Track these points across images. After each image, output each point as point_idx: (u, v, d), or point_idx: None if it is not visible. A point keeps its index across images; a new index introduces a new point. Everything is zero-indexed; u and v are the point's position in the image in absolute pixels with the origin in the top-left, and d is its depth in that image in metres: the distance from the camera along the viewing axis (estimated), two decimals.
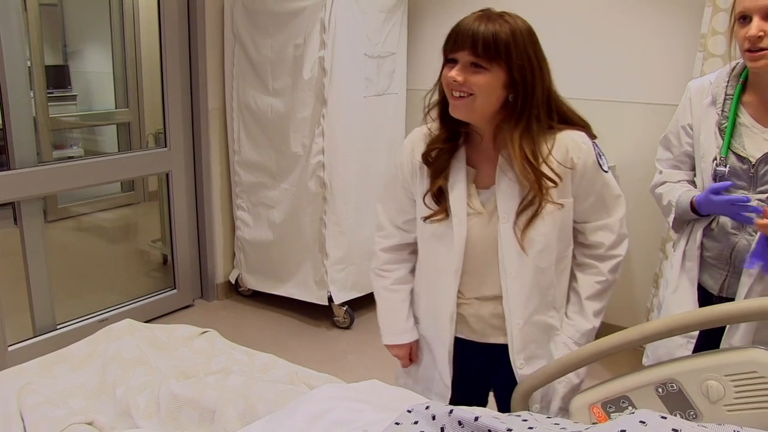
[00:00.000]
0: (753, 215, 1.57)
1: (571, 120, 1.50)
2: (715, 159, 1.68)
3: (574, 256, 1.59)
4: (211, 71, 3.61)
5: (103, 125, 5.18)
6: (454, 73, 1.37)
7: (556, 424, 1.06)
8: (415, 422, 1.10)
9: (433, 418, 1.09)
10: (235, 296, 3.97)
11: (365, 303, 3.51)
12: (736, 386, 1.20)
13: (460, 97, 1.39)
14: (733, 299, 1.70)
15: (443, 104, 1.49)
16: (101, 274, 4.18)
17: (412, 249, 1.70)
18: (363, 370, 3.06)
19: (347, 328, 3.56)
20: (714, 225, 1.74)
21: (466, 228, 1.50)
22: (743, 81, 1.69)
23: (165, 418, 1.59)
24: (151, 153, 3.59)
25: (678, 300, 1.82)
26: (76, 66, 5.25)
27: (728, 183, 1.62)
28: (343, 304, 3.52)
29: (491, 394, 1.77)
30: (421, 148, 1.55)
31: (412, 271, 1.71)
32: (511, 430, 1.00)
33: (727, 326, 1.70)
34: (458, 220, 1.50)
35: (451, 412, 1.07)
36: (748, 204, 1.58)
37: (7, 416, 1.58)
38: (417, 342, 1.71)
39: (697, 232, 1.77)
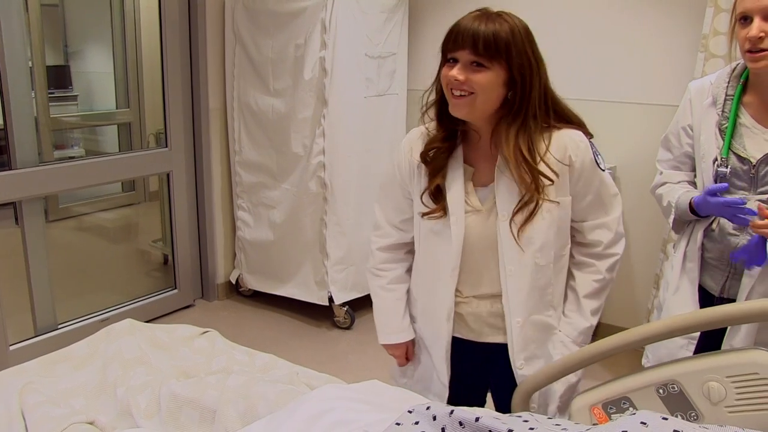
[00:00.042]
0: (749, 217, 1.57)
1: (567, 118, 1.52)
2: (716, 160, 1.68)
3: (571, 255, 1.60)
4: (212, 71, 3.62)
5: (104, 125, 5.18)
6: (455, 72, 1.38)
7: (557, 424, 1.06)
8: (416, 423, 1.10)
9: (434, 418, 1.09)
10: (235, 296, 3.97)
11: (366, 303, 3.51)
12: (737, 388, 1.20)
13: (461, 95, 1.40)
14: (733, 300, 1.70)
15: (440, 104, 1.50)
16: (102, 274, 4.18)
17: (409, 249, 1.71)
18: (363, 371, 3.06)
19: (348, 328, 3.56)
20: (714, 226, 1.74)
21: (464, 225, 1.51)
22: (744, 82, 1.69)
23: (166, 417, 1.59)
24: (152, 153, 3.59)
25: (679, 301, 1.81)
26: (77, 66, 5.25)
27: (724, 185, 1.62)
28: (343, 305, 3.52)
29: (489, 394, 1.77)
30: (419, 147, 1.56)
31: (408, 270, 1.72)
32: (512, 430, 1.00)
33: (729, 327, 1.70)
34: (456, 217, 1.50)
35: (451, 412, 1.07)
36: (744, 206, 1.58)
37: (9, 415, 1.59)
38: (413, 341, 1.72)
39: (698, 233, 1.77)
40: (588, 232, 1.56)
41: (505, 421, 1.04)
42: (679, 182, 1.85)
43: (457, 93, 1.40)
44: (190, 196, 3.75)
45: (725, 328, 1.71)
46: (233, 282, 3.93)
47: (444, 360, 1.62)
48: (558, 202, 1.47)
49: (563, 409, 1.60)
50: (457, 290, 1.57)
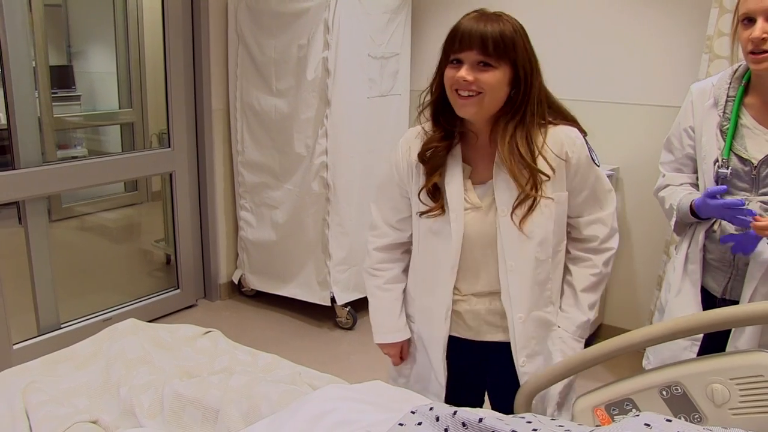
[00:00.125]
0: (749, 218, 1.57)
1: (562, 115, 1.54)
2: (717, 161, 1.68)
3: (567, 251, 1.61)
4: (215, 72, 3.62)
5: (107, 125, 5.20)
6: (463, 72, 1.39)
7: (560, 426, 1.06)
8: (419, 423, 1.10)
9: (437, 419, 1.09)
10: (237, 296, 3.98)
11: (368, 304, 3.51)
12: (741, 390, 1.19)
13: (469, 96, 1.41)
14: (736, 302, 1.70)
15: (436, 104, 1.51)
16: (105, 273, 4.19)
17: (405, 249, 1.72)
18: (365, 371, 3.06)
19: (350, 328, 3.56)
20: (716, 227, 1.74)
21: (463, 223, 1.51)
22: (746, 83, 1.69)
23: (168, 417, 1.59)
24: (155, 153, 3.59)
25: (681, 303, 1.81)
26: (80, 66, 5.27)
27: (723, 187, 1.62)
28: (345, 305, 3.52)
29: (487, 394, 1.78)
30: (417, 146, 1.56)
31: (405, 270, 1.72)
32: (515, 431, 1.00)
33: (733, 329, 1.69)
34: (455, 214, 1.51)
35: (455, 413, 1.07)
36: (743, 207, 1.58)
37: (13, 414, 1.59)
38: (408, 341, 1.72)
39: (699, 234, 1.77)
40: (584, 227, 1.58)
41: (508, 422, 1.04)
42: (681, 184, 1.85)
43: (465, 93, 1.41)
44: (193, 196, 3.76)
45: (729, 330, 1.71)
46: (236, 282, 3.93)
47: (441, 359, 1.63)
48: (553, 198, 1.49)
49: (561, 405, 1.62)
50: (455, 288, 1.58)
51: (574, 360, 1.39)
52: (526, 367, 1.57)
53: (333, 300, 3.47)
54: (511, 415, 1.13)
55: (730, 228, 1.69)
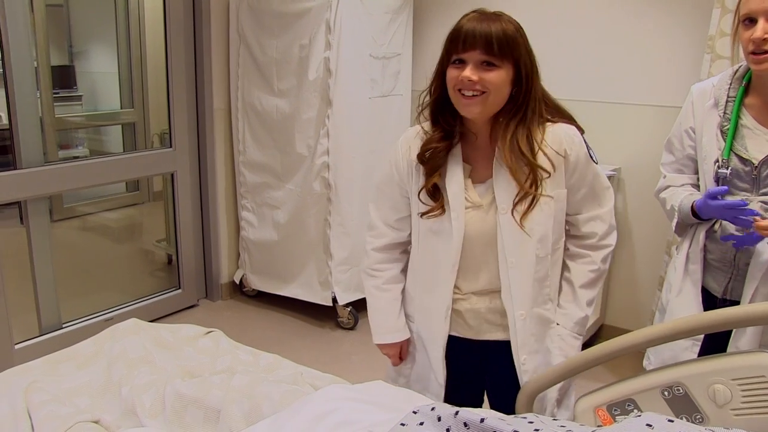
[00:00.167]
0: (751, 218, 1.57)
1: (560, 113, 1.55)
2: (717, 161, 1.68)
3: (565, 248, 1.62)
4: (217, 71, 3.62)
5: (109, 125, 5.19)
6: (468, 72, 1.40)
7: (562, 426, 1.06)
8: (421, 423, 1.10)
9: (439, 419, 1.09)
10: (239, 296, 3.98)
11: None
12: (743, 390, 1.19)
13: (473, 95, 1.42)
14: (737, 302, 1.70)
15: (437, 105, 1.52)
16: (106, 273, 4.19)
17: (404, 249, 1.72)
18: (367, 371, 3.06)
19: (351, 328, 3.56)
20: (717, 227, 1.74)
21: (464, 221, 1.52)
22: (746, 83, 1.69)
23: (170, 417, 1.59)
24: (156, 153, 3.60)
25: (682, 303, 1.81)
26: (81, 66, 5.27)
27: (724, 188, 1.62)
28: (347, 305, 3.52)
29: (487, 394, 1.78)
30: (416, 146, 1.57)
31: (403, 270, 1.72)
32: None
33: (734, 329, 1.69)
34: (456, 213, 1.51)
35: (456, 413, 1.07)
36: (745, 207, 1.58)
37: (15, 414, 1.59)
38: (407, 341, 1.72)
39: (700, 234, 1.78)
40: (582, 224, 1.59)
41: (510, 422, 1.04)
42: (682, 185, 1.85)
43: (469, 93, 1.42)
44: (195, 196, 3.76)
45: (730, 330, 1.71)
46: (237, 282, 3.93)
47: (441, 359, 1.63)
48: (552, 197, 1.50)
49: (560, 402, 1.63)
50: (455, 287, 1.58)
51: (576, 360, 1.39)
52: (527, 365, 1.58)
53: (334, 300, 3.48)
54: (512, 416, 1.14)
55: (731, 228, 1.69)
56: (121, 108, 4.79)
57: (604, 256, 1.61)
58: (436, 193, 1.53)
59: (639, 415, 1.00)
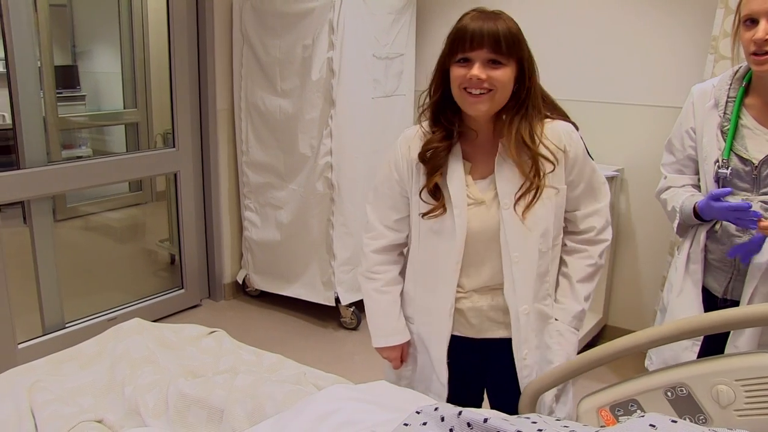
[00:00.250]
0: (755, 219, 1.57)
1: (556, 110, 1.57)
2: (717, 161, 1.68)
3: (563, 243, 1.64)
4: (220, 72, 3.63)
5: (112, 125, 5.20)
6: (476, 71, 1.41)
7: (565, 426, 1.06)
8: (424, 423, 1.10)
9: (442, 419, 1.09)
10: (242, 296, 3.98)
11: None
12: (746, 391, 1.19)
13: (480, 94, 1.43)
14: (737, 302, 1.71)
15: (438, 105, 1.53)
16: (109, 273, 4.20)
17: (401, 251, 1.72)
18: (369, 371, 3.06)
19: (354, 329, 3.56)
20: (717, 228, 1.74)
21: (466, 218, 1.52)
22: (746, 84, 1.69)
23: (173, 417, 1.59)
24: (160, 153, 3.60)
25: (682, 303, 1.82)
26: (84, 66, 5.28)
27: (728, 189, 1.63)
28: (350, 305, 3.52)
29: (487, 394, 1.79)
30: (417, 145, 1.57)
31: (401, 272, 1.72)
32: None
33: None
34: (459, 210, 1.52)
35: (459, 413, 1.07)
36: (749, 209, 1.57)
37: (19, 413, 1.60)
38: (407, 343, 1.71)
39: (701, 234, 1.78)
40: (580, 220, 1.61)
41: (513, 422, 1.04)
42: (683, 186, 1.85)
43: (477, 92, 1.43)
44: (198, 196, 3.76)
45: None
46: (240, 282, 3.94)
47: (443, 359, 1.63)
48: (558, 189, 1.52)
49: (559, 398, 1.63)
50: (457, 285, 1.58)
51: (579, 361, 1.39)
52: (528, 360, 1.58)
53: (337, 300, 3.48)
54: (516, 416, 1.14)
55: (732, 228, 1.69)
56: (124, 108, 4.80)
57: (601, 251, 1.63)
58: (437, 192, 1.54)
59: (642, 416, 1.00)
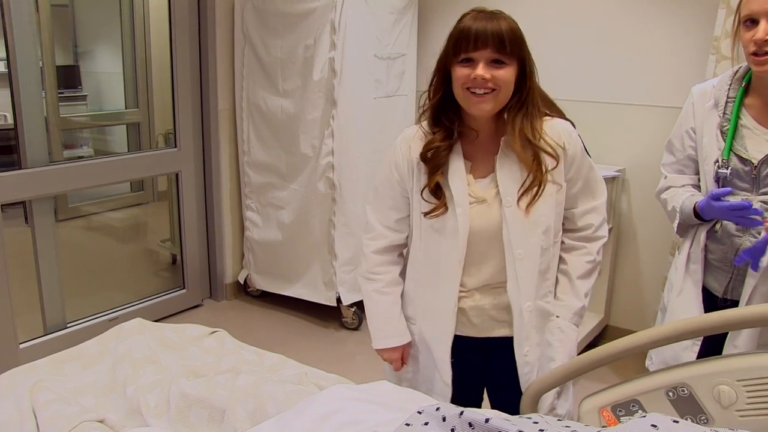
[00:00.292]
0: (758, 218, 1.57)
1: (553, 108, 1.59)
2: (717, 161, 1.68)
3: (561, 241, 1.65)
4: (221, 72, 3.63)
5: (113, 125, 5.20)
6: (481, 71, 1.42)
7: (566, 426, 1.06)
8: (426, 423, 1.10)
9: (444, 419, 1.09)
10: (243, 296, 3.98)
11: None
12: (748, 392, 1.19)
13: (485, 93, 1.44)
14: (737, 301, 1.71)
15: (439, 105, 1.53)
16: (111, 273, 4.20)
17: (401, 251, 1.71)
18: (371, 371, 3.06)
19: (355, 329, 3.56)
20: (718, 227, 1.75)
21: (469, 217, 1.52)
22: (746, 84, 1.69)
23: (175, 416, 1.59)
24: (161, 153, 3.60)
25: (683, 302, 1.82)
26: (86, 66, 5.28)
27: (728, 189, 1.63)
28: (351, 305, 3.52)
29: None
30: (417, 145, 1.58)
31: (401, 274, 1.72)
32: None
33: None
34: (462, 209, 1.52)
35: (461, 413, 1.07)
36: (750, 208, 1.57)
37: (20, 413, 1.60)
38: (408, 344, 1.71)
39: (701, 234, 1.79)
40: (579, 217, 1.63)
41: (515, 422, 1.04)
42: (683, 186, 1.86)
43: (481, 91, 1.44)
44: (199, 196, 3.76)
45: None
46: (241, 282, 3.94)
47: (447, 358, 1.63)
48: (559, 186, 1.54)
49: (560, 394, 1.64)
50: (460, 284, 1.58)
51: (581, 361, 1.39)
52: (529, 356, 1.59)
53: (339, 300, 3.48)
54: (517, 416, 1.14)
55: (732, 228, 1.70)
56: (126, 108, 4.80)
57: (599, 248, 1.65)
58: (438, 191, 1.54)
59: (644, 416, 1.00)
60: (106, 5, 4.98)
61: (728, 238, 1.72)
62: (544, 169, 1.49)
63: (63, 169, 3.08)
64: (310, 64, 3.26)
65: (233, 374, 1.73)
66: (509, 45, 1.41)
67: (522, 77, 1.47)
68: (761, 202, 1.63)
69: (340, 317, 3.59)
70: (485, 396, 1.80)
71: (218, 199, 3.77)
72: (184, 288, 3.80)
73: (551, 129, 1.53)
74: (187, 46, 3.51)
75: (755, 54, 1.57)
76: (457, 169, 1.53)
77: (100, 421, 1.58)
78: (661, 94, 3.06)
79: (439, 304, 1.61)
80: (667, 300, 1.91)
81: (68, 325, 3.25)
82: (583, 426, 1.08)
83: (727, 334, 1.73)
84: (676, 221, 1.82)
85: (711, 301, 1.79)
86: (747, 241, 1.68)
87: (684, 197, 1.79)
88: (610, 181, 3.10)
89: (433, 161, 1.53)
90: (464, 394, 1.70)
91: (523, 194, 1.50)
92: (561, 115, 1.59)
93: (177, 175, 3.65)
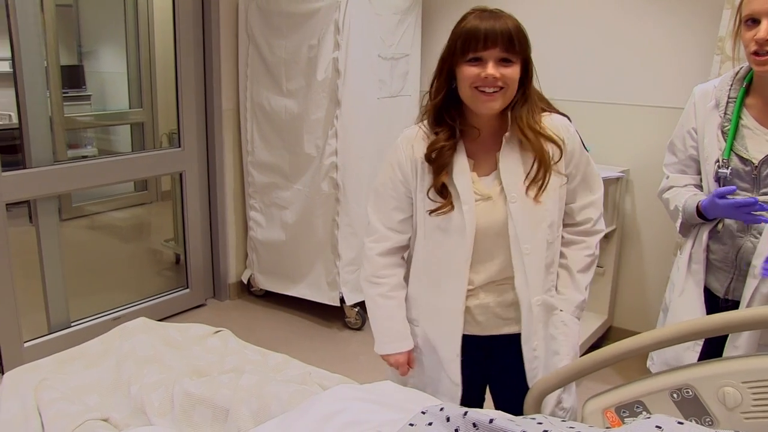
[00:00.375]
0: (764, 214, 1.57)
1: (548, 104, 1.61)
2: (717, 161, 1.68)
3: (561, 236, 1.66)
4: (225, 72, 3.63)
5: (117, 125, 5.22)
6: (491, 70, 1.43)
7: (571, 428, 1.06)
8: (429, 423, 1.10)
9: (448, 419, 1.09)
10: (247, 296, 3.99)
11: None
12: (754, 393, 1.19)
13: (494, 92, 1.45)
14: (738, 302, 1.71)
15: (442, 105, 1.54)
16: (114, 272, 4.21)
17: (404, 254, 1.71)
18: (374, 371, 3.05)
19: (359, 329, 3.56)
20: (720, 227, 1.75)
21: (475, 214, 1.53)
22: (747, 84, 1.69)
23: (179, 416, 1.60)
24: (165, 153, 3.61)
25: (684, 303, 1.82)
26: (90, 66, 5.30)
27: (733, 187, 1.63)
28: (354, 305, 3.52)
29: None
30: (420, 145, 1.58)
31: (405, 278, 1.71)
32: None
33: None
34: (468, 206, 1.53)
35: (465, 414, 1.07)
36: (756, 204, 1.57)
37: (25, 411, 1.60)
38: (413, 348, 1.70)
39: (703, 234, 1.79)
40: (577, 212, 1.65)
41: (519, 423, 1.04)
42: (685, 186, 1.86)
43: (490, 90, 1.45)
44: (203, 195, 3.77)
45: None
46: (245, 282, 3.94)
47: (455, 358, 1.62)
48: (562, 178, 1.56)
49: (565, 388, 1.64)
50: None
51: (585, 362, 1.38)
52: (537, 352, 1.60)
53: (342, 300, 3.48)
54: (521, 416, 1.13)
55: (734, 228, 1.70)
56: (130, 108, 4.82)
57: (597, 242, 1.67)
58: (443, 190, 1.55)
59: (648, 417, 1.00)
60: (111, 5, 4.99)
61: (730, 238, 1.72)
62: (549, 157, 1.51)
63: (67, 168, 3.09)
64: (314, 64, 3.26)
65: (237, 374, 1.73)
66: (518, 44, 1.43)
67: (524, 74, 1.49)
68: (762, 202, 1.63)
69: (343, 317, 3.59)
70: (486, 396, 1.80)
71: (222, 198, 3.77)
72: (187, 287, 3.80)
73: (551, 123, 1.55)
74: (191, 46, 3.52)
75: (756, 54, 1.57)
76: (461, 167, 1.54)
77: (104, 420, 1.59)
78: (665, 94, 3.06)
79: (445, 304, 1.60)
80: (669, 300, 1.91)
81: (72, 324, 3.26)
82: (587, 427, 1.08)
83: (728, 335, 1.73)
84: (679, 221, 1.82)
85: (712, 302, 1.79)
86: (748, 242, 1.68)
87: (686, 196, 1.79)
88: (614, 181, 3.10)
89: (438, 161, 1.54)
90: (467, 393, 1.69)
91: (530, 184, 1.51)
92: (556, 110, 1.61)
93: (181, 174, 3.65)
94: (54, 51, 3.95)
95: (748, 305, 1.65)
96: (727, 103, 1.71)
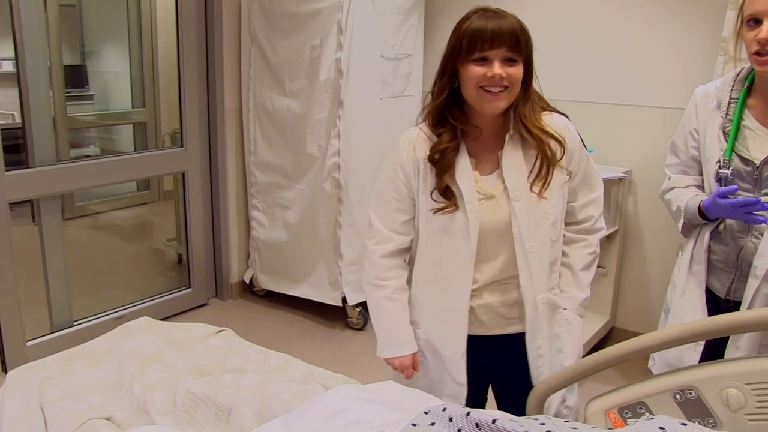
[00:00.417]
0: (765, 214, 1.57)
1: (546, 103, 1.62)
2: (719, 162, 1.68)
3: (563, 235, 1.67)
4: (228, 72, 3.63)
5: (120, 125, 5.23)
6: (498, 69, 1.43)
7: (573, 428, 1.06)
8: (432, 423, 1.10)
9: (450, 420, 1.09)
10: (249, 296, 3.99)
11: None
12: (757, 395, 1.19)
13: (499, 91, 1.46)
14: (739, 302, 1.71)
15: (444, 105, 1.54)
16: (117, 272, 4.21)
17: (406, 257, 1.70)
18: (376, 371, 3.04)
19: (361, 329, 3.56)
20: (721, 228, 1.75)
21: (479, 214, 1.53)
22: (748, 85, 1.69)
23: (181, 415, 1.60)
24: (168, 153, 3.61)
25: (686, 303, 1.82)
26: (93, 66, 5.31)
27: (734, 187, 1.62)
28: (357, 305, 3.52)
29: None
30: (422, 147, 1.58)
31: (408, 281, 1.70)
32: None
33: None
34: (471, 206, 1.53)
35: (468, 414, 1.07)
36: (758, 203, 1.57)
37: (28, 410, 1.60)
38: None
39: (705, 235, 1.78)
40: (579, 210, 1.65)
41: (522, 423, 1.04)
42: (687, 186, 1.86)
43: (496, 90, 1.45)
44: (205, 195, 3.77)
45: None
46: (247, 282, 3.94)
47: (461, 358, 1.62)
48: (565, 175, 1.56)
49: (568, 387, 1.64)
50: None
51: (587, 363, 1.38)
52: (542, 350, 1.60)
53: (344, 300, 3.48)
54: (524, 417, 1.13)
55: (735, 229, 1.70)
56: (133, 107, 4.82)
57: (598, 240, 1.68)
58: (447, 191, 1.55)
59: (651, 418, 1.00)
60: (114, 5, 5.00)
61: (731, 239, 1.72)
62: (550, 153, 1.52)
63: (70, 168, 3.09)
64: (317, 64, 3.26)
65: (239, 373, 1.73)
66: (523, 43, 1.44)
67: (527, 73, 1.50)
68: (765, 202, 1.63)
69: (345, 317, 3.59)
70: (488, 396, 1.80)
71: (224, 198, 3.78)
72: (189, 287, 3.81)
73: (552, 122, 1.56)
74: (193, 46, 3.52)
75: (758, 54, 1.57)
76: (464, 167, 1.54)
77: (107, 419, 1.59)
78: (668, 95, 3.05)
79: (449, 304, 1.60)
80: (671, 300, 1.91)
81: (75, 323, 3.26)
82: (590, 428, 1.08)
83: (729, 336, 1.72)
84: (681, 221, 1.82)
85: (714, 302, 1.79)
86: (750, 242, 1.68)
87: (688, 197, 1.79)
88: (616, 182, 3.09)
89: (442, 162, 1.54)
90: (470, 393, 1.69)
91: (534, 180, 1.52)
92: (555, 109, 1.61)
93: (183, 174, 3.65)
94: (57, 51, 3.96)
95: (749, 306, 1.65)
96: (729, 103, 1.71)
